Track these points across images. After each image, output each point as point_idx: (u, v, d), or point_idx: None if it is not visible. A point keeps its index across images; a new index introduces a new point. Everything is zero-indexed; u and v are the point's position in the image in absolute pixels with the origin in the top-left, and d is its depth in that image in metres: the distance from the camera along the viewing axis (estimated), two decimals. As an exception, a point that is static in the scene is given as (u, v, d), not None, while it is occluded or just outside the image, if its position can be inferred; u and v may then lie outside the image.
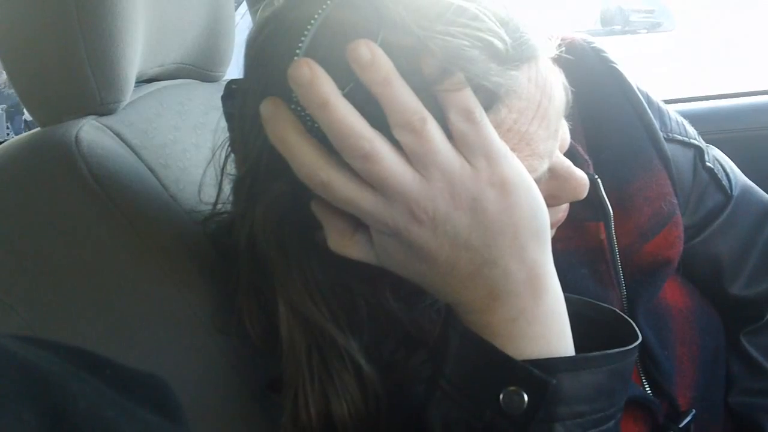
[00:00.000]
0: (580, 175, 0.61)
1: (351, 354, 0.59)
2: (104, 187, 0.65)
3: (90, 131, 0.69)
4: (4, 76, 0.75)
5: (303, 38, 0.49)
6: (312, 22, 0.50)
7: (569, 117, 0.63)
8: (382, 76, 0.46)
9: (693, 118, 0.88)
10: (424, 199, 0.49)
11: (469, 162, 0.49)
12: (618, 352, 0.53)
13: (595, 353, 0.53)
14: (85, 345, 0.64)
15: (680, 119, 0.83)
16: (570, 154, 0.66)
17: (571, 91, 0.60)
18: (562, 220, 0.64)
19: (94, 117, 0.72)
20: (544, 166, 0.56)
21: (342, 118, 0.46)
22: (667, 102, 0.84)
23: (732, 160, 0.90)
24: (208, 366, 0.67)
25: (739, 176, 0.88)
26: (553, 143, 0.57)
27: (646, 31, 3.74)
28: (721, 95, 1.45)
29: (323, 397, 0.59)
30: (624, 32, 3.71)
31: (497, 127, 0.51)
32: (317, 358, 0.59)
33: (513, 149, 0.51)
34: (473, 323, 0.53)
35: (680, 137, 0.81)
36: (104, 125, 0.71)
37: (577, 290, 0.70)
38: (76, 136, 0.67)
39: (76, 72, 0.70)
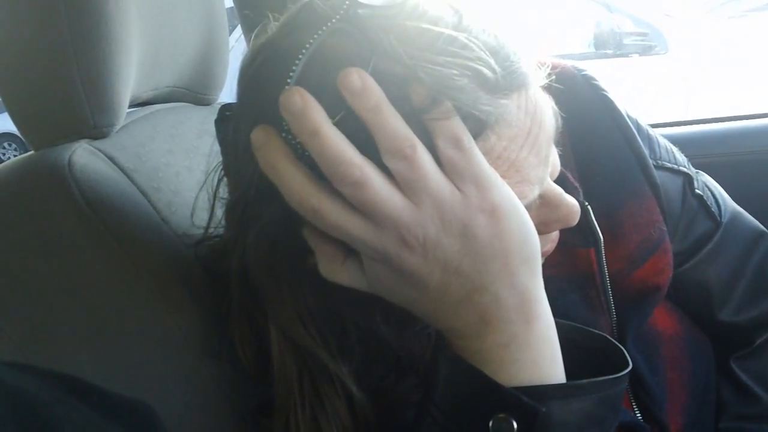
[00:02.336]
0: (571, 202, 0.61)
1: (341, 379, 0.59)
2: (96, 210, 0.66)
3: (83, 155, 0.69)
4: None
5: (294, 67, 0.50)
6: (303, 50, 0.50)
7: (559, 144, 0.63)
8: (372, 104, 0.47)
9: (682, 142, 0.89)
10: (414, 225, 0.49)
11: (459, 188, 0.49)
12: (608, 380, 0.53)
13: (585, 381, 0.53)
14: (74, 367, 0.64)
15: (670, 146, 0.84)
16: (560, 180, 0.67)
17: (562, 117, 0.60)
18: (552, 249, 0.64)
19: (87, 141, 0.72)
20: (534, 193, 0.57)
21: (332, 146, 0.47)
22: (657, 126, 0.85)
23: (721, 184, 0.90)
24: (196, 390, 0.67)
25: (728, 203, 0.88)
26: (544, 170, 0.57)
27: (638, 54, 3.77)
28: (711, 119, 1.46)
29: (314, 422, 0.59)
30: (617, 56, 3.74)
31: (487, 154, 0.51)
32: (308, 383, 0.59)
33: (503, 176, 0.52)
34: (464, 349, 0.53)
35: (669, 165, 0.81)
36: (97, 149, 0.71)
37: (567, 316, 0.70)
38: (69, 160, 0.67)
39: (69, 96, 0.70)
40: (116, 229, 0.66)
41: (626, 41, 3.78)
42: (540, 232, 0.54)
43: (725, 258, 0.85)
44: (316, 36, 0.50)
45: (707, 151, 1.29)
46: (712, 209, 0.85)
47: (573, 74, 0.78)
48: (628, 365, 0.56)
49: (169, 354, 0.67)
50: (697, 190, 0.83)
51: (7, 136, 8.20)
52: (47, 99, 0.71)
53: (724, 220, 0.85)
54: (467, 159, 0.49)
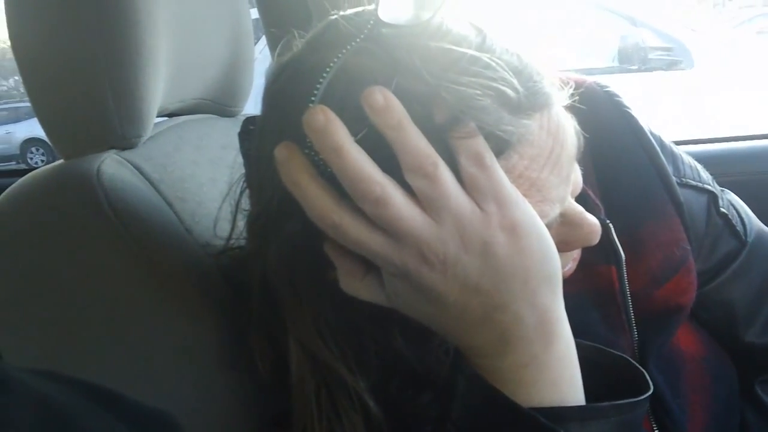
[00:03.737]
0: (592, 221, 0.61)
1: (359, 393, 0.59)
2: (123, 220, 0.67)
3: (111, 165, 0.70)
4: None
5: (318, 84, 0.51)
6: (328, 69, 0.51)
7: (581, 161, 0.63)
8: (395, 121, 0.48)
9: (707, 159, 0.88)
10: (434, 242, 0.49)
11: (479, 206, 0.50)
12: (628, 403, 0.53)
13: (604, 404, 0.53)
14: (96, 375, 0.65)
15: (694, 164, 0.83)
16: (582, 198, 0.67)
17: (584, 135, 0.60)
18: (573, 268, 0.64)
19: (115, 151, 0.73)
20: (555, 212, 0.57)
21: (354, 163, 0.47)
22: (681, 143, 0.85)
23: (747, 203, 0.89)
24: (215, 400, 0.68)
25: (754, 222, 0.87)
26: (565, 189, 0.57)
27: (663, 69, 3.73)
28: (737, 137, 1.45)
29: None
30: (641, 70, 3.71)
31: (508, 173, 0.51)
32: (326, 396, 0.60)
33: (524, 195, 0.52)
34: (483, 368, 0.53)
35: (694, 182, 0.80)
36: (125, 159, 0.73)
37: (587, 334, 0.70)
38: (98, 170, 0.68)
39: (99, 107, 0.72)
40: (142, 239, 0.67)
41: (651, 56, 3.75)
42: (561, 251, 0.54)
43: (751, 278, 0.83)
44: (340, 54, 0.51)
45: (733, 169, 1.28)
46: (738, 228, 0.83)
47: (596, 91, 0.78)
48: (649, 389, 0.55)
49: (188, 363, 0.68)
50: (722, 209, 0.82)
51: (34, 141, 8.34)
52: (78, 109, 0.73)
53: (750, 239, 0.84)
54: (488, 177, 0.49)
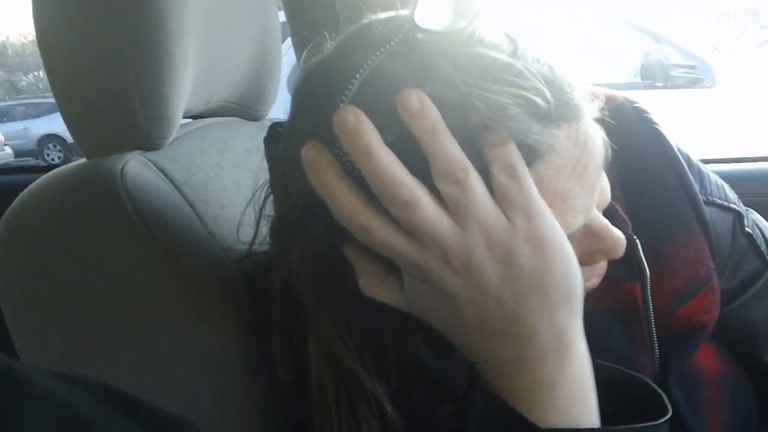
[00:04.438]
0: (617, 234, 0.61)
1: (378, 399, 0.59)
2: (146, 221, 0.66)
3: (135, 166, 0.70)
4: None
5: (350, 86, 0.51)
6: (361, 71, 0.51)
7: (609, 176, 0.63)
8: (429, 125, 0.48)
9: (731, 179, 0.87)
10: (459, 247, 0.49)
11: (507, 217, 0.49)
12: (646, 427, 0.53)
13: (621, 426, 0.52)
14: (115, 377, 0.65)
15: (720, 182, 0.83)
16: (609, 213, 0.66)
17: (612, 149, 0.60)
18: (597, 283, 0.64)
19: (140, 152, 0.73)
20: (578, 223, 0.56)
21: (384, 166, 0.47)
22: (708, 162, 0.84)
23: (769, 224, 0.88)
24: (234, 406, 0.67)
25: (778, 242, 0.86)
26: (591, 200, 0.57)
27: (686, 87, 3.71)
28: (759, 158, 1.44)
29: None
30: (664, 87, 3.69)
31: (534, 183, 0.51)
32: (345, 401, 0.59)
33: (548, 205, 0.51)
34: (498, 386, 0.53)
35: (720, 201, 0.80)
36: (149, 160, 0.72)
37: (609, 350, 0.69)
38: (122, 170, 0.68)
39: (125, 107, 0.72)
40: (164, 241, 0.67)
41: (673, 73, 3.73)
42: (584, 264, 0.54)
43: None
44: (374, 57, 0.51)
45: (756, 189, 1.27)
46: (762, 248, 0.83)
47: (624, 106, 0.78)
48: (668, 412, 0.55)
49: (208, 368, 0.67)
50: (747, 228, 0.82)
51: (51, 137, 8.41)
52: (103, 109, 0.73)
53: None
54: (520, 189, 0.49)
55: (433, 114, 0.48)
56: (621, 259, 0.67)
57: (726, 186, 0.83)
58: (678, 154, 0.76)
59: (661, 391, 0.57)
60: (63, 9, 0.72)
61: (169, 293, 0.67)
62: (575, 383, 0.53)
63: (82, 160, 0.76)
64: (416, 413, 0.61)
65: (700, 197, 0.75)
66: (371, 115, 0.48)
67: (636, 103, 0.78)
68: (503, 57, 0.51)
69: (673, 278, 0.72)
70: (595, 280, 0.63)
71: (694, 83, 3.74)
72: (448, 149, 0.48)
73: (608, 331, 0.71)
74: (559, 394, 0.52)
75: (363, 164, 0.48)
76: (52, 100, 0.77)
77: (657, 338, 0.72)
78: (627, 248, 0.67)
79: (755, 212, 0.87)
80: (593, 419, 0.53)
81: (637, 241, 0.70)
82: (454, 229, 0.49)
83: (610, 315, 0.71)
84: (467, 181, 0.48)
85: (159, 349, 0.66)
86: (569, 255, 0.52)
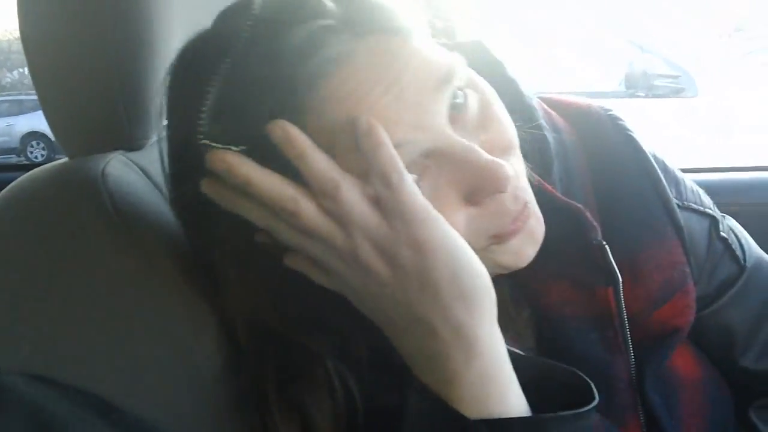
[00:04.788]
0: (485, 157, 0.57)
1: (326, 368, 0.62)
2: (126, 221, 0.66)
3: (117, 166, 0.70)
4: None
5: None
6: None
7: (582, 182, 0.64)
8: (297, 152, 0.53)
9: (709, 188, 0.88)
10: (346, 250, 0.54)
11: (387, 221, 0.53)
12: (572, 414, 0.54)
13: (548, 415, 0.54)
14: (92, 381, 0.64)
15: (696, 188, 0.84)
16: (577, 218, 0.69)
17: (586, 155, 0.60)
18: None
19: (122, 152, 0.73)
20: (408, 137, 0.55)
21: (270, 181, 0.53)
22: (684, 171, 0.85)
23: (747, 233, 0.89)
24: (213, 409, 0.67)
25: (753, 247, 0.87)
26: (426, 118, 0.56)
27: (669, 96, 3.74)
28: (739, 168, 1.46)
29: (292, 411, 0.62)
30: (647, 96, 3.72)
31: (330, 94, 0.54)
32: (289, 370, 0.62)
33: (352, 115, 0.53)
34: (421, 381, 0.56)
35: (695, 206, 0.81)
36: (131, 161, 0.73)
37: (584, 355, 0.70)
38: (103, 170, 0.68)
39: (108, 107, 0.72)
40: (144, 242, 0.67)
41: (656, 82, 3.77)
42: (478, 199, 0.57)
43: (749, 303, 0.84)
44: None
45: (734, 199, 1.28)
46: (737, 253, 0.84)
47: (599, 114, 0.79)
48: (594, 399, 0.56)
49: (187, 369, 0.66)
50: (722, 233, 0.83)
51: (35, 135, 8.33)
52: (86, 109, 0.73)
53: (749, 264, 0.84)
54: (394, 196, 0.52)
55: (298, 140, 0.52)
56: (593, 265, 0.68)
57: (702, 192, 0.84)
58: (653, 161, 0.77)
59: (588, 380, 0.58)
60: (48, 8, 0.72)
61: (148, 294, 0.66)
62: (483, 381, 0.54)
63: (64, 160, 0.75)
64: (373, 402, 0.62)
65: (675, 203, 0.76)
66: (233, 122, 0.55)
67: (610, 111, 0.79)
68: None
69: (647, 283, 0.73)
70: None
71: (677, 93, 3.77)
72: (317, 169, 0.53)
73: (583, 336, 0.71)
74: (471, 391, 0.54)
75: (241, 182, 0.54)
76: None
77: (632, 342, 0.72)
78: (597, 254, 0.69)
79: (731, 218, 0.88)
80: (511, 412, 0.55)
81: (606, 246, 0.70)
82: (340, 234, 0.53)
83: (584, 321, 0.71)
84: (338, 195, 0.52)
85: (136, 350, 0.65)
86: (456, 256, 0.54)
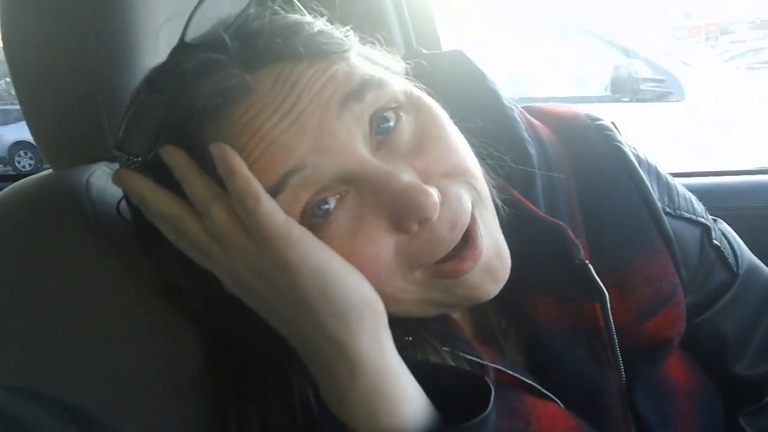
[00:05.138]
0: (403, 180, 0.55)
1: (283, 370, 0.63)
2: (109, 233, 0.66)
3: (101, 177, 0.70)
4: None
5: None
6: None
7: (568, 195, 0.63)
8: (179, 175, 0.56)
9: (697, 192, 0.88)
10: (225, 266, 0.56)
11: (254, 242, 0.54)
12: (469, 425, 0.53)
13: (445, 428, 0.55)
14: (76, 390, 0.64)
15: (688, 195, 0.83)
16: (559, 236, 0.68)
17: (572, 166, 0.59)
18: (467, 269, 0.59)
19: (105, 163, 0.73)
20: (322, 163, 0.55)
21: (166, 201, 0.57)
22: (676, 175, 0.84)
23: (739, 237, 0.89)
24: (194, 418, 0.66)
25: (746, 253, 0.87)
26: (336, 140, 0.55)
27: (655, 101, 3.76)
28: (730, 171, 1.46)
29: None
30: (633, 101, 3.74)
31: (232, 125, 0.55)
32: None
33: (253, 147, 0.54)
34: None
35: (687, 215, 0.80)
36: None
37: (573, 370, 0.70)
38: (87, 182, 0.68)
39: (91, 118, 0.71)
40: (127, 254, 0.66)
41: (643, 87, 3.78)
42: (404, 228, 0.56)
43: (741, 310, 0.83)
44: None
45: (722, 203, 1.28)
46: (730, 260, 0.83)
47: (586, 124, 0.78)
48: (486, 408, 0.55)
49: (171, 384, 0.66)
50: (714, 241, 0.82)
51: (22, 144, 8.30)
52: (70, 120, 0.72)
53: (741, 271, 0.83)
54: (251, 219, 0.53)
55: (180, 164, 0.55)
56: (578, 281, 0.68)
57: (694, 199, 0.84)
58: (640, 172, 0.75)
59: (490, 383, 0.57)
60: (30, 18, 0.72)
61: (130, 306, 0.66)
62: (371, 398, 0.54)
63: (49, 171, 0.75)
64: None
65: (663, 215, 0.75)
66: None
67: (598, 120, 0.78)
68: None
69: (636, 295, 0.72)
70: (441, 248, 0.58)
71: (663, 97, 3.79)
72: (192, 191, 0.55)
73: (571, 351, 0.70)
74: (359, 408, 0.54)
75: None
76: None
77: (623, 354, 0.71)
78: (581, 272, 0.68)
79: (723, 222, 0.88)
80: (404, 426, 0.54)
81: (590, 265, 0.69)
82: (221, 254, 0.56)
83: (570, 336, 0.70)
84: (210, 215, 0.54)
85: (120, 361, 0.65)
86: (323, 276, 0.53)
